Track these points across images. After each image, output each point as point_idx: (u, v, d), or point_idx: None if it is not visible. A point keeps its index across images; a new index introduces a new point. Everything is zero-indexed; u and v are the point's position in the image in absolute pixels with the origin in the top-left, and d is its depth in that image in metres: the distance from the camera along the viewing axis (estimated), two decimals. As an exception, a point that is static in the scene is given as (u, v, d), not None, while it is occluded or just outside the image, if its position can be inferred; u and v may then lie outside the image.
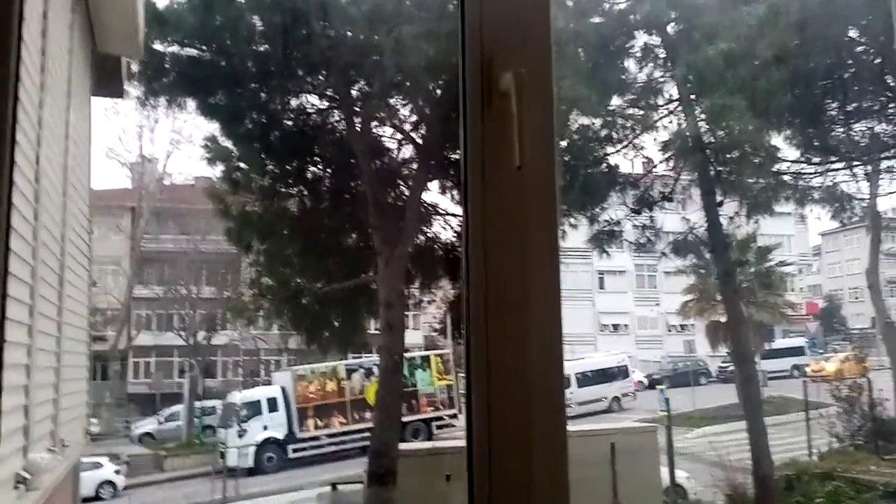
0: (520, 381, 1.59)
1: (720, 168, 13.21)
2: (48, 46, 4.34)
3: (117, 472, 14.43)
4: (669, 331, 20.62)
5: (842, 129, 13.07)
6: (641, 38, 13.03)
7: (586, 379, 17.40)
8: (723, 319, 15.61)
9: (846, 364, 17.94)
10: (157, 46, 10.79)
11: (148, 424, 16.94)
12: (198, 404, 16.85)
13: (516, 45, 1.68)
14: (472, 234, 1.64)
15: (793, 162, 13.33)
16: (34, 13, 3.91)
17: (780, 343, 19.47)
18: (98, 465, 13.49)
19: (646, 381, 19.50)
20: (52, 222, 5.01)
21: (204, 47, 11.15)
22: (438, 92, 11.49)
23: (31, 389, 4.72)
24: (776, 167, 13.20)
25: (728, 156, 12.97)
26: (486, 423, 1.57)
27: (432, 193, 12.95)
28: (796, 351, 19.34)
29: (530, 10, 1.72)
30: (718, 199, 13.36)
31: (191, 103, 11.43)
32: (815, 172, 13.36)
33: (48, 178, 4.68)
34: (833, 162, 13.24)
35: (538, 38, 1.70)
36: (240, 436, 14.93)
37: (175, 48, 11.09)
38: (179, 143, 17.33)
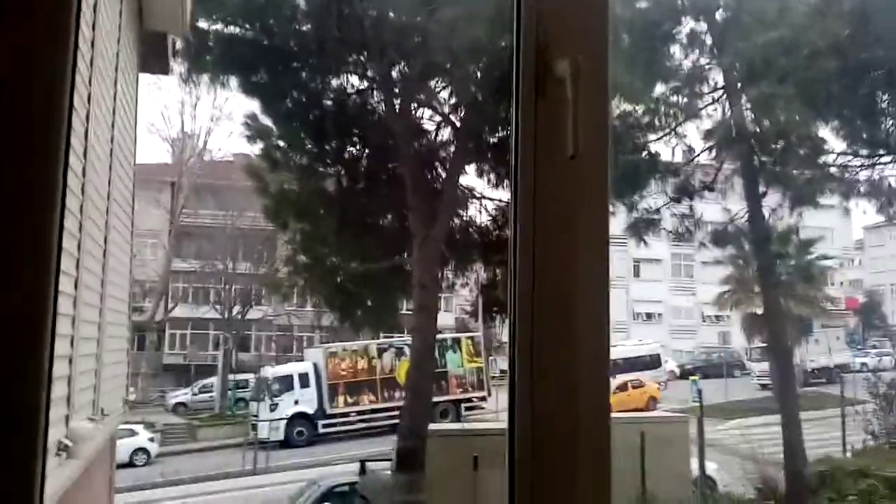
0: (565, 370, 1.58)
1: (764, 158, 12.99)
2: (99, 22, 4.39)
3: (151, 439, 14.72)
4: (704, 321, 20.38)
5: (892, 122, 12.74)
6: (688, 24, 12.82)
7: (617, 367, 17.28)
8: (760, 312, 15.40)
9: (621, 395, 15.95)
10: (202, 24, 10.89)
11: (182, 395, 17.24)
12: (231, 377, 17.11)
13: (573, 32, 1.65)
14: (522, 222, 1.62)
15: (839, 154, 13.06)
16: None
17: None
18: (133, 433, 13.74)
19: (678, 371, 19.33)
20: (97, 196, 5.10)
21: (247, 26, 11.23)
22: (479, 74, 11.44)
23: (74, 359, 4.83)
24: (822, 159, 12.95)
25: (773, 146, 12.75)
26: (530, 411, 1.57)
27: (469, 176, 12.95)
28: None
29: (589, -3, 1.69)
30: (761, 189, 13.15)
31: (233, 81, 11.54)
32: (863, 165, 13.07)
33: (95, 153, 4.76)
34: (881, 155, 12.92)
35: (596, 25, 1.68)
36: (271, 409, 15.16)
37: (219, 26, 11.18)
38: (219, 120, 17.47)
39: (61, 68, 1.41)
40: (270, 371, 16.35)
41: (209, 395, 17.16)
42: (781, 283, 14.92)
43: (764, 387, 17.08)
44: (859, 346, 19.27)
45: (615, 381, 16.12)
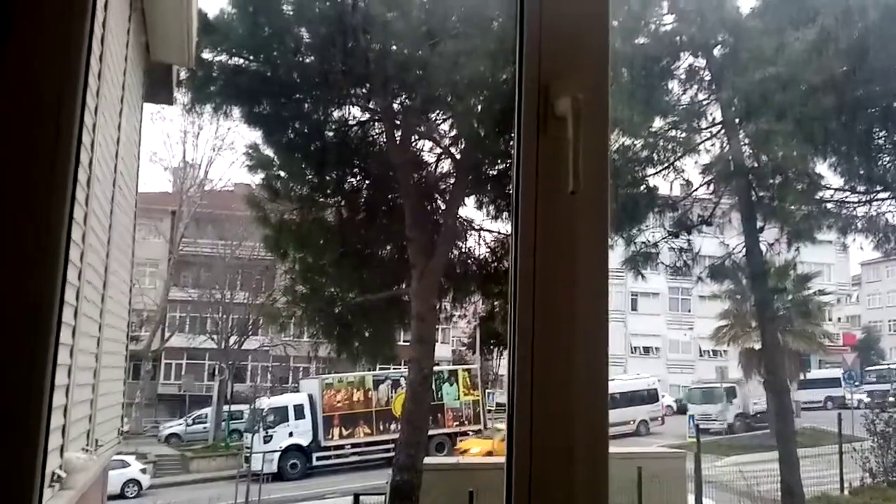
0: (564, 404, 1.59)
1: (762, 193, 13.10)
2: (105, 53, 4.45)
3: (143, 471, 14.57)
4: (701, 356, 20.33)
5: (889, 159, 12.84)
6: (687, 60, 12.99)
7: (614, 401, 17.19)
8: (757, 347, 15.38)
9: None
10: (206, 55, 11.02)
11: (175, 425, 17.12)
12: (225, 408, 16.99)
13: (574, 70, 1.69)
14: (522, 255, 1.64)
15: (837, 190, 13.14)
16: (96, 21, 4.01)
17: (815, 374, 19.09)
18: (125, 464, 13.60)
19: (675, 406, 19.24)
20: (99, 226, 5.12)
21: (251, 57, 11.36)
22: (479, 108, 11.55)
23: (70, 390, 4.80)
24: (819, 195, 13.03)
25: (771, 181, 12.86)
26: (528, 443, 1.57)
27: (469, 208, 13.02)
28: (832, 382, 18.94)
29: (589, 36, 1.73)
30: (759, 224, 13.22)
31: (236, 111, 11.66)
32: (860, 201, 13.14)
33: (99, 183, 4.78)
34: (879, 191, 13.00)
35: (596, 64, 1.71)
36: (265, 441, 15.02)
37: (223, 57, 11.30)
38: (221, 150, 17.57)
39: (70, 100, 1.44)
40: (265, 402, 16.24)
41: (203, 426, 17.04)
42: (779, 318, 14.93)
43: (704, 431, 16.80)
44: (857, 383, 19.19)
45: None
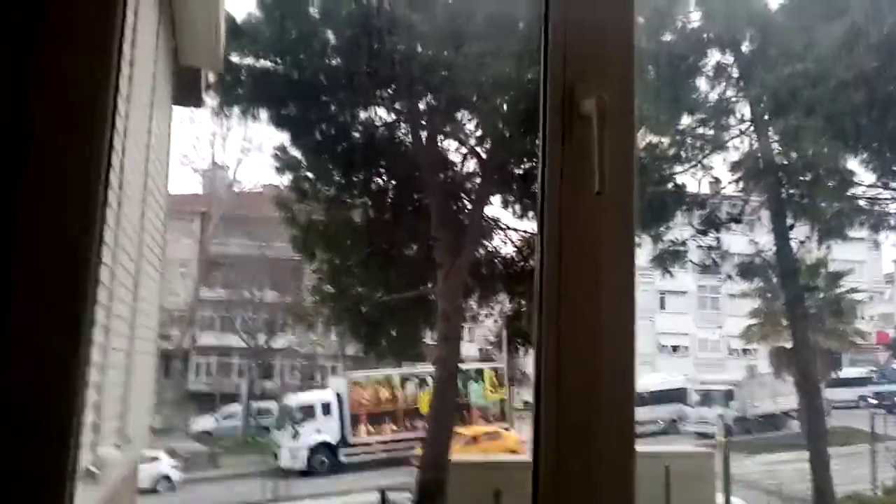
0: (590, 402, 1.60)
1: (792, 191, 12.95)
2: (136, 57, 4.51)
3: (174, 466, 14.72)
4: (731, 354, 20.09)
5: (922, 155, 12.64)
6: (714, 57, 12.88)
7: (642, 399, 17.04)
8: (788, 345, 15.19)
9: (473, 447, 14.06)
10: (234, 58, 11.15)
11: (206, 422, 17.27)
12: (254, 405, 17.13)
13: (599, 71, 1.69)
14: (548, 255, 1.65)
15: (868, 186, 12.95)
16: (126, 25, 4.07)
17: (847, 372, 18.80)
18: (156, 460, 13.76)
19: (705, 405, 19.00)
20: (130, 227, 5.19)
21: (278, 60, 11.47)
22: (505, 108, 11.55)
23: (103, 387, 4.89)
24: (851, 191, 12.85)
25: (801, 178, 12.71)
26: (555, 444, 1.58)
27: (494, 207, 13.01)
28: (864, 381, 18.63)
29: (614, 36, 1.73)
30: (789, 222, 13.08)
31: (263, 114, 11.77)
32: (892, 198, 12.94)
33: (129, 185, 4.85)
34: (912, 188, 12.82)
35: (621, 65, 1.71)
36: (293, 438, 15.12)
37: (251, 60, 11.43)
38: (249, 152, 17.70)
39: (102, 103, 1.46)
40: (294, 399, 16.34)
41: (233, 423, 17.17)
42: (810, 316, 14.74)
43: (703, 436, 16.36)
44: (890, 381, 18.85)
45: (468, 433, 14.85)
